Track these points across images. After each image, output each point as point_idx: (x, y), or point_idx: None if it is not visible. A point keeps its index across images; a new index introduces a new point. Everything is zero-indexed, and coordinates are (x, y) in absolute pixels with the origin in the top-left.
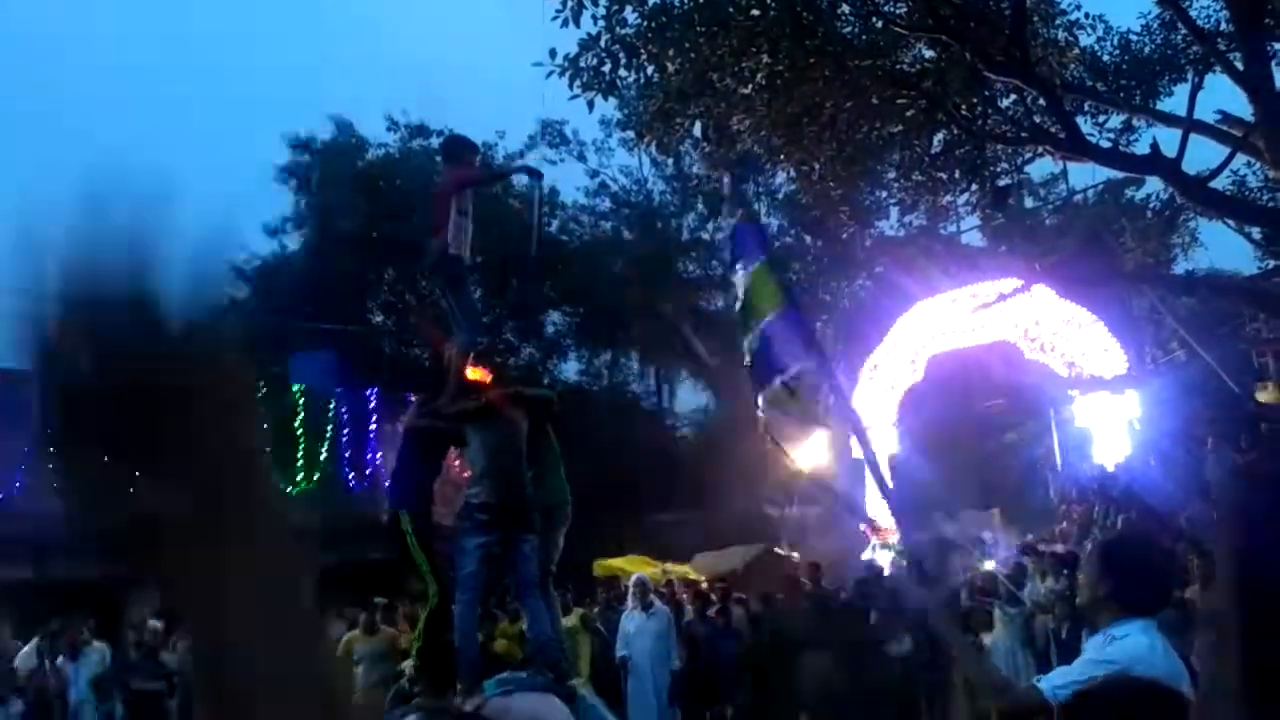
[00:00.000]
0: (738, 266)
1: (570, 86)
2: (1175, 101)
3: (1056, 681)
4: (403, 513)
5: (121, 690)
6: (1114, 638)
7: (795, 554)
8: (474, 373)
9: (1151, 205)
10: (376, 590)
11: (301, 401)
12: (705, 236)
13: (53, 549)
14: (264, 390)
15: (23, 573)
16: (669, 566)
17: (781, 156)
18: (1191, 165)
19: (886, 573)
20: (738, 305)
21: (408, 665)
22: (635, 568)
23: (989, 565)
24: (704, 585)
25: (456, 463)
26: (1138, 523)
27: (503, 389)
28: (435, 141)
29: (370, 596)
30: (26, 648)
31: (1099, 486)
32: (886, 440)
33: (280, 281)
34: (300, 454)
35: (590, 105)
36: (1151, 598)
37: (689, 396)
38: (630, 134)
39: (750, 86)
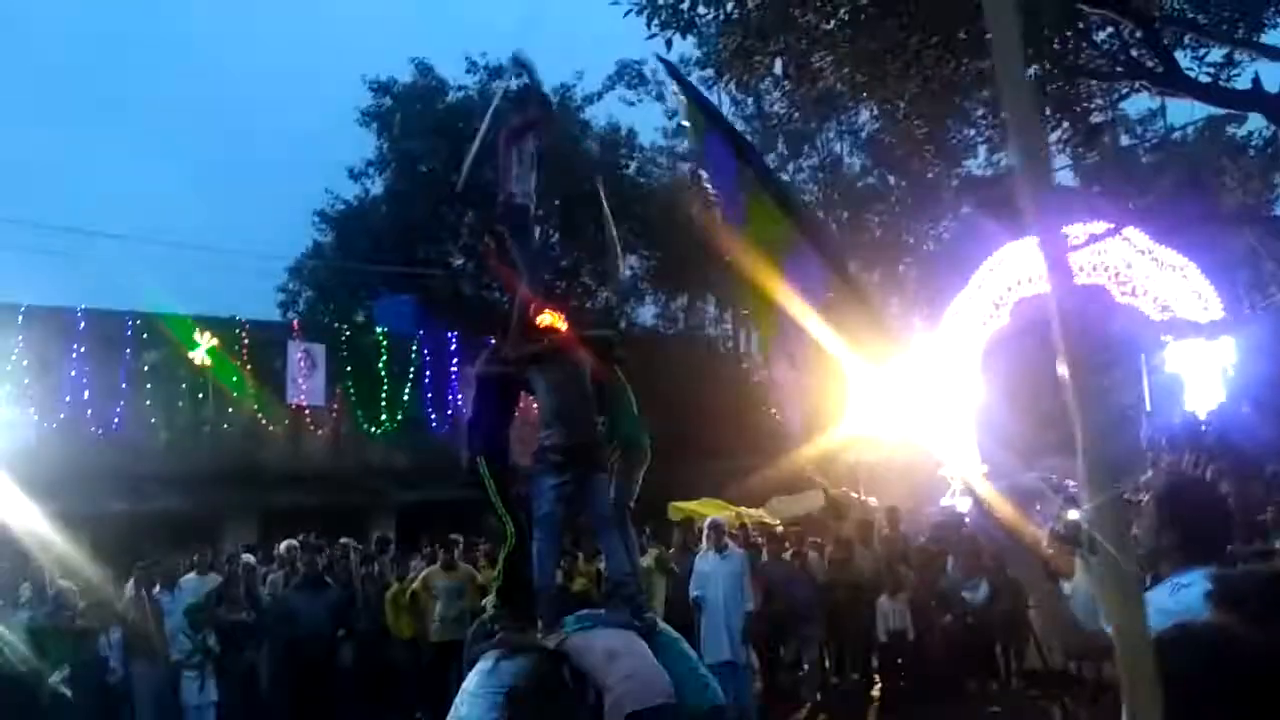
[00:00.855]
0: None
1: (648, 25)
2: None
3: None
4: (480, 459)
5: (214, 620)
6: (1180, 585)
7: (872, 499)
8: (539, 317)
9: (1254, 143)
10: (459, 528)
11: (385, 345)
12: (785, 177)
13: (150, 481)
14: (347, 334)
15: (121, 504)
16: (744, 510)
17: (864, 94)
18: None
19: (965, 518)
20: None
21: (489, 602)
22: (709, 511)
23: (1073, 514)
24: (779, 529)
25: (534, 406)
26: (1229, 472)
27: (562, 332)
28: (513, 83)
29: (453, 533)
30: (130, 582)
31: (1190, 435)
32: (972, 386)
33: (363, 225)
34: (384, 396)
35: (669, 44)
36: (1212, 545)
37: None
38: (709, 73)
39: (833, 22)
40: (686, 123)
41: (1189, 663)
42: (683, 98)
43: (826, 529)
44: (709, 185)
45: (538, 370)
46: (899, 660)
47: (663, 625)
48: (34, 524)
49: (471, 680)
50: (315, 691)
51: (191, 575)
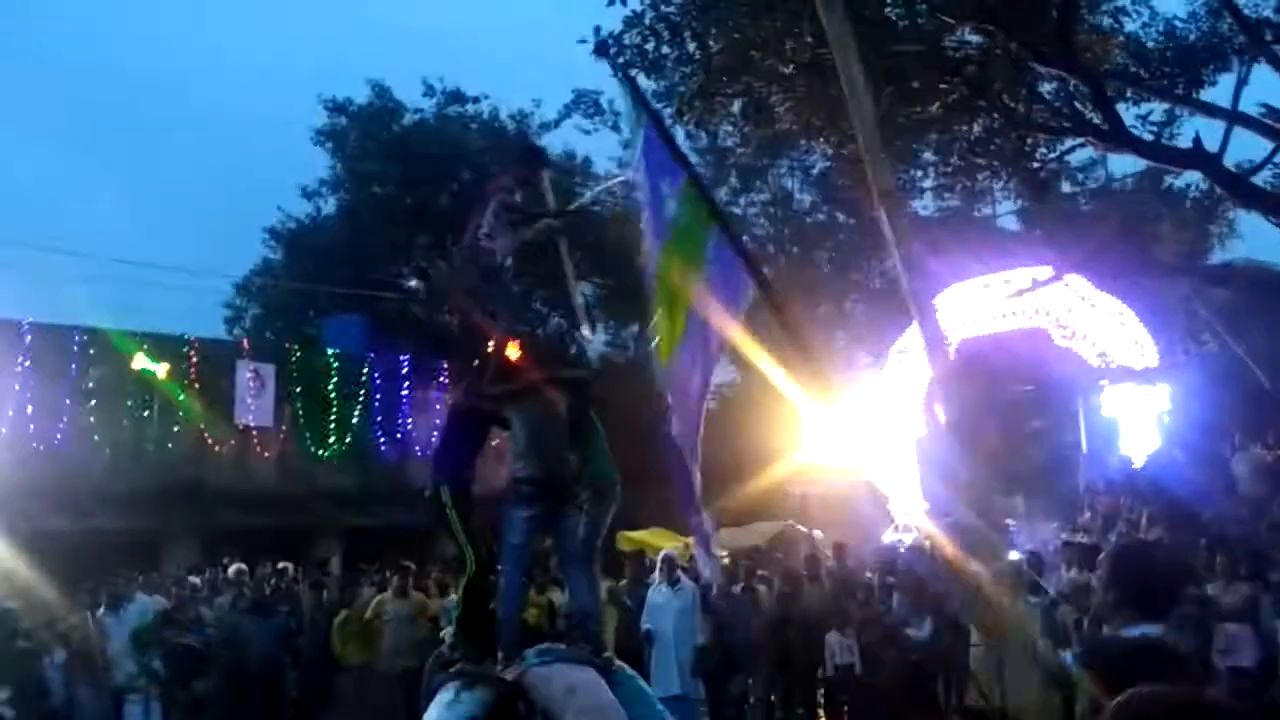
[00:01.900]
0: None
1: (613, 69)
2: (1218, 92)
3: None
4: (443, 486)
5: (162, 644)
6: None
7: (818, 532)
8: (514, 356)
9: (1191, 195)
10: (407, 553)
11: (335, 365)
12: (738, 211)
13: (91, 499)
14: (298, 354)
15: (61, 522)
16: (691, 541)
17: (819, 137)
18: (1234, 157)
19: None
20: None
21: (448, 632)
22: (658, 541)
23: (1012, 555)
24: (726, 560)
25: (495, 441)
26: (1162, 517)
27: (541, 372)
28: (470, 108)
29: (400, 558)
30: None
31: (1125, 479)
32: (915, 425)
33: (314, 244)
34: (333, 417)
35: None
36: (1159, 604)
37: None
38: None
39: (792, 66)
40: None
41: None
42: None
43: (774, 562)
44: (637, 178)
45: (514, 407)
46: (844, 696)
47: (619, 663)
48: None
49: (433, 712)
50: (262, 718)
51: (139, 596)
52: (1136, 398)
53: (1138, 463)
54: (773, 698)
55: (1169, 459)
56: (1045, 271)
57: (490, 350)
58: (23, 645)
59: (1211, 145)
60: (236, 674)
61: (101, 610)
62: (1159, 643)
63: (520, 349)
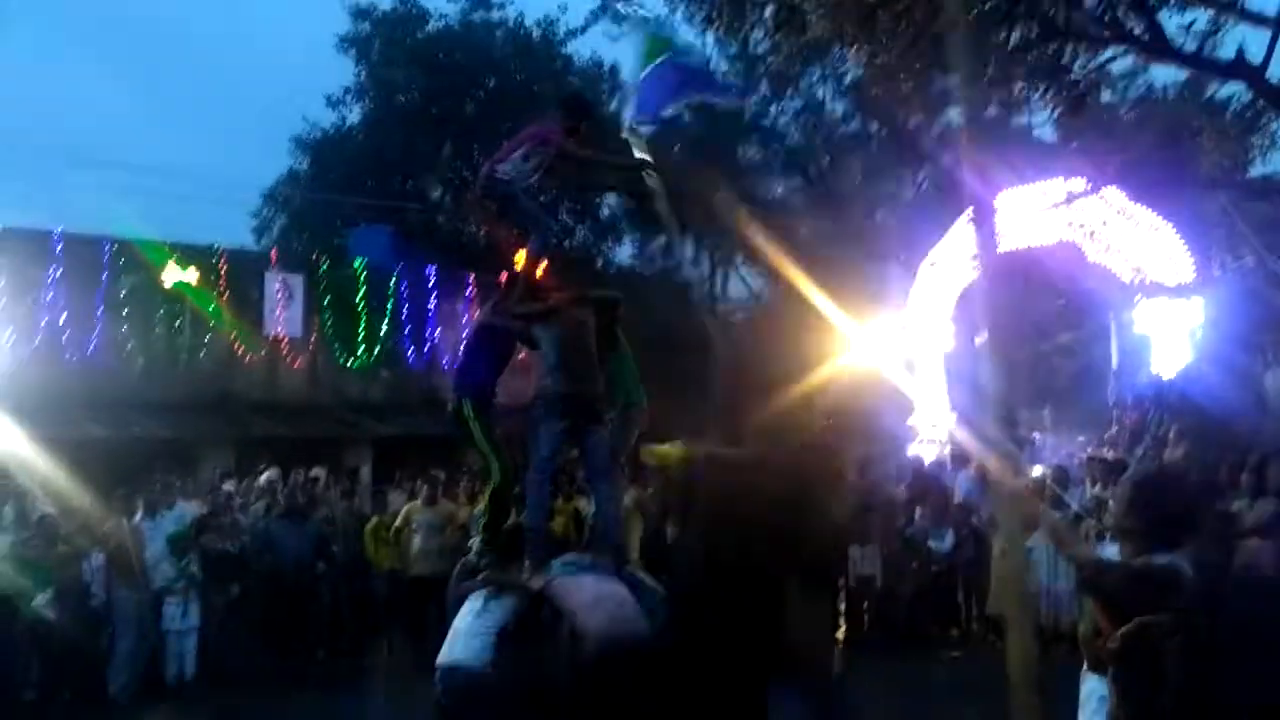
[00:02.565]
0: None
1: None
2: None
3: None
4: (466, 400)
5: (199, 549)
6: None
7: (845, 445)
8: (543, 275)
9: (1233, 107)
10: (435, 462)
11: (363, 277)
12: (766, 123)
13: (128, 407)
14: (325, 265)
15: (100, 430)
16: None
17: (854, 45)
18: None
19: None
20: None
21: (474, 541)
22: (682, 454)
23: (1036, 470)
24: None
25: (522, 355)
26: (1189, 433)
27: (569, 291)
28: (496, 14)
29: (429, 467)
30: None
31: (1154, 394)
32: (943, 338)
33: (340, 153)
34: (362, 328)
35: None
36: (1175, 534)
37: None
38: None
39: None
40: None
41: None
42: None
43: None
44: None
45: (542, 326)
46: (865, 605)
47: (642, 573)
48: (16, 447)
49: (463, 620)
50: (296, 621)
51: (178, 502)
52: (1169, 313)
53: (1167, 378)
54: None
55: (1199, 374)
56: (1080, 184)
57: (519, 269)
58: (62, 549)
59: (1256, 56)
60: (271, 579)
61: (139, 516)
62: (1162, 569)
63: (549, 268)
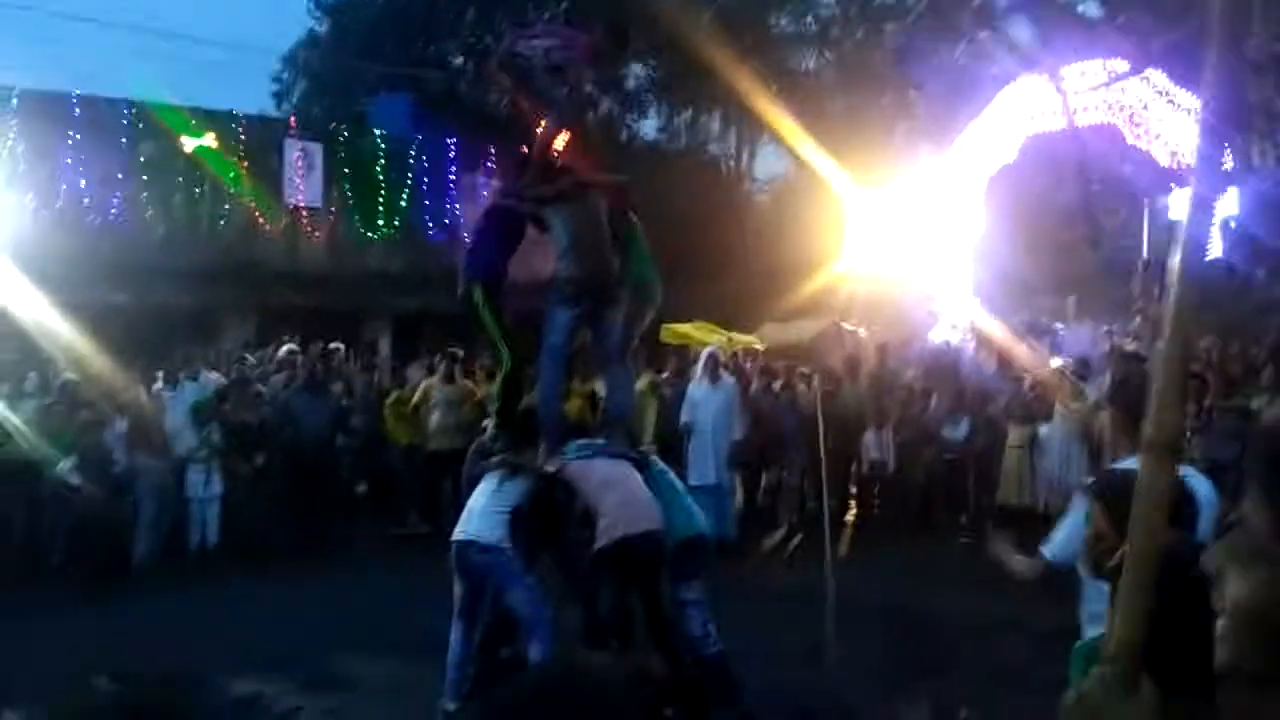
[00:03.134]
0: None
1: None
2: None
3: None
4: (476, 285)
5: (220, 418)
6: None
7: (863, 330)
8: (560, 147)
9: None
10: (455, 337)
11: (383, 147)
12: None
13: (150, 273)
14: (345, 134)
15: (122, 296)
16: (735, 335)
17: None
18: None
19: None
20: None
21: (489, 423)
22: (702, 335)
23: (1055, 361)
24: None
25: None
26: (1214, 327)
27: (582, 172)
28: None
29: (447, 342)
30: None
31: None
32: (974, 219)
33: (360, 16)
34: (381, 199)
35: None
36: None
37: (769, 162)
38: None
39: None
40: None
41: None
42: None
43: (815, 359)
44: None
45: (554, 208)
46: (876, 490)
47: (654, 458)
48: (39, 313)
49: (477, 500)
50: (316, 492)
51: (200, 372)
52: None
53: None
54: (805, 488)
55: (1228, 266)
56: (1122, 65)
57: (535, 146)
58: (85, 416)
59: None
60: (292, 450)
61: (160, 384)
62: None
63: (568, 145)
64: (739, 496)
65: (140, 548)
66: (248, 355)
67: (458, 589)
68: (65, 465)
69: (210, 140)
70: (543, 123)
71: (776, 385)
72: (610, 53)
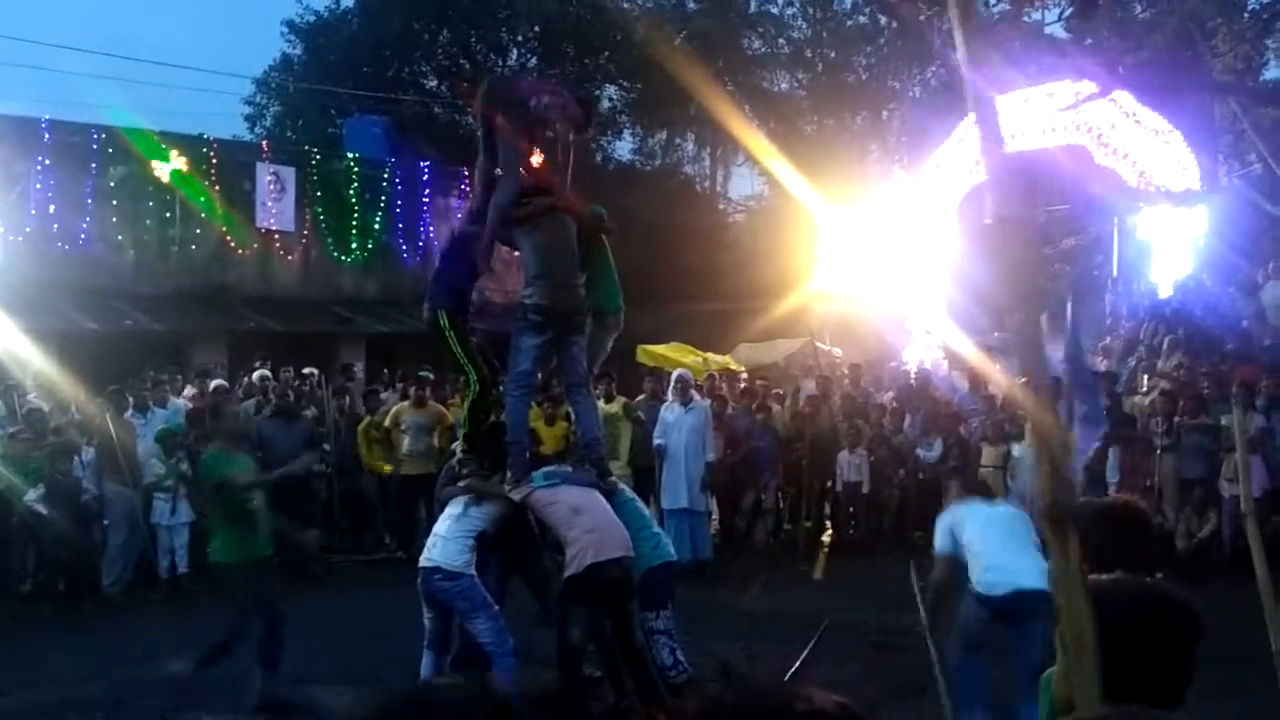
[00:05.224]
0: None
1: None
2: None
3: None
4: (442, 311)
5: (188, 447)
6: None
7: (837, 350)
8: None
9: (1249, 6)
10: (428, 359)
11: (356, 170)
12: (774, 10)
13: (119, 299)
14: (318, 157)
15: (92, 323)
16: (710, 356)
17: None
18: None
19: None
20: None
21: (457, 446)
22: (677, 355)
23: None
24: (744, 377)
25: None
26: (1182, 345)
27: (552, 196)
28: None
29: (421, 364)
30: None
31: (1151, 305)
32: (947, 238)
33: (334, 39)
34: (354, 223)
35: None
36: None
37: (743, 183)
38: None
39: None
40: None
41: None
42: None
43: (790, 380)
44: None
45: (524, 232)
46: (850, 510)
47: (622, 486)
48: (6, 339)
49: (443, 525)
50: (289, 519)
51: (169, 399)
52: (1173, 220)
53: (1166, 288)
54: (780, 506)
55: (1198, 285)
56: (1090, 87)
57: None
58: (54, 442)
59: None
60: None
61: (130, 411)
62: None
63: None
64: (714, 518)
65: (110, 574)
66: (214, 381)
67: (427, 617)
68: (33, 495)
69: (181, 164)
70: (520, 145)
71: (753, 406)
72: (581, 125)
